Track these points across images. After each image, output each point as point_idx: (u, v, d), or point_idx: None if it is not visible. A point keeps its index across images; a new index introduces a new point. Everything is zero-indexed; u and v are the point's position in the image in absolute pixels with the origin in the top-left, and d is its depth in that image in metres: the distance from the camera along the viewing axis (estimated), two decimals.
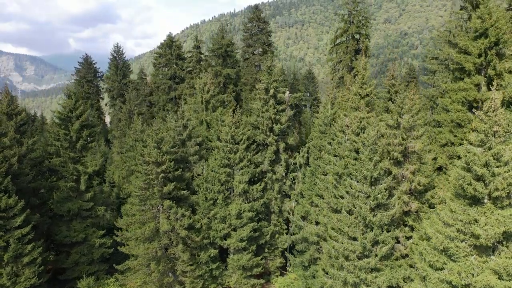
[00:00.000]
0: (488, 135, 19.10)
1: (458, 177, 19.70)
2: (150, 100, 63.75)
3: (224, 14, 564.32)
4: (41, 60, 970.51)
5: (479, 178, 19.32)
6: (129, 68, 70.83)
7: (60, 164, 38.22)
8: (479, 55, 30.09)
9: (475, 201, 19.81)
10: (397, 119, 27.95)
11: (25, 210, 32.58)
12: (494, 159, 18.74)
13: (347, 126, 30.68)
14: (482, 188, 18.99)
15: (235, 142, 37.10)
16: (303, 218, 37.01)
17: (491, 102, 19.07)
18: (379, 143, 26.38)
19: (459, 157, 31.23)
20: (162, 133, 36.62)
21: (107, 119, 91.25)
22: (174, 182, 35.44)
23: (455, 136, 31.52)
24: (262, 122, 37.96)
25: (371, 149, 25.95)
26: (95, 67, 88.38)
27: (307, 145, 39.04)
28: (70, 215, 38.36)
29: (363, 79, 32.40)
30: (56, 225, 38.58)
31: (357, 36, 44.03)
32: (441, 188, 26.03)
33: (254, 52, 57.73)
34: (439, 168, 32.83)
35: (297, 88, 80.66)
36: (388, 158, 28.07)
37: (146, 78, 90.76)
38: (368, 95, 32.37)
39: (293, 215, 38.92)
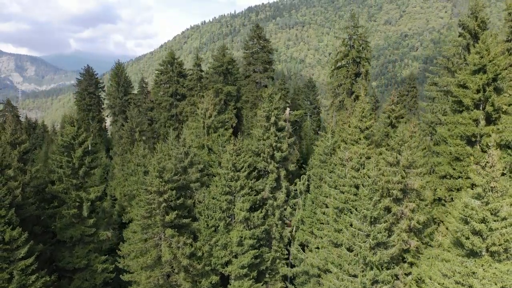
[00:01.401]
0: (485, 190, 19.44)
1: (456, 229, 20.04)
2: (151, 116, 64.11)
3: (224, 15, 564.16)
4: (41, 61, 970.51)
5: (477, 233, 19.68)
6: (131, 85, 71.18)
7: (63, 190, 38.56)
8: (478, 91, 30.43)
9: (473, 253, 20.16)
10: (397, 157, 28.29)
11: (29, 241, 32.90)
12: (491, 214, 19.09)
13: (348, 160, 31.02)
14: (480, 242, 19.35)
15: (236, 170, 37.45)
16: (304, 245, 37.38)
17: (488, 158, 19.40)
18: (379, 182, 26.71)
19: (458, 190, 31.70)
20: (164, 161, 36.99)
21: (108, 122, 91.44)
22: (176, 211, 35.86)
23: (454, 169, 31.84)
24: (263, 149, 38.31)
25: (371, 188, 26.29)
26: (97, 77, 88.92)
27: (307, 173, 39.40)
28: (72, 241, 38.71)
29: (363, 112, 32.72)
30: (59, 250, 38.93)
31: (357, 60, 44.31)
32: (439, 231, 26.38)
33: (255, 70, 58.04)
34: (438, 199, 33.16)
35: (298, 103, 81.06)
36: (388, 195, 28.40)
37: (146, 87, 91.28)
38: (368, 128, 32.69)
39: (293, 240, 39.31)
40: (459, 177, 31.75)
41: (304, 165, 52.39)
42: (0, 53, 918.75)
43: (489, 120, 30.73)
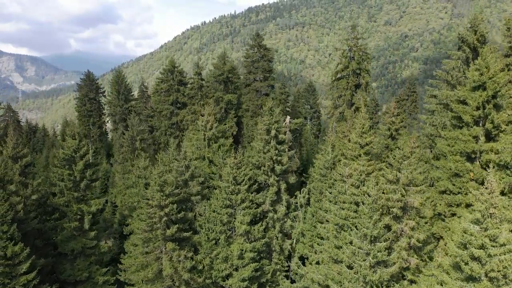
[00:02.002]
0: (484, 216, 19.61)
1: (455, 254, 20.21)
2: (152, 124, 64.26)
3: (224, 15, 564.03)
4: (41, 61, 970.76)
5: (476, 258, 19.85)
6: (131, 92, 71.32)
7: (64, 203, 38.76)
8: (477, 108, 30.58)
9: (472, 278, 20.34)
10: (396, 174, 28.46)
11: (31, 256, 33.10)
12: (490, 240, 19.27)
13: (348, 177, 31.19)
14: (479, 268, 19.54)
15: (237, 183, 37.63)
16: (304, 258, 37.55)
17: (487, 184, 19.57)
18: (379, 201, 26.88)
19: (457, 205, 31.85)
20: (165, 172, 37.20)
21: (109, 125, 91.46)
22: (177, 225, 36.07)
23: (454, 185, 32.00)
24: (263, 162, 38.47)
25: (371, 208, 26.46)
26: (97, 83, 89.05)
27: (308, 186, 39.54)
28: (74, 254, 38.91)
29: (363, 128, 32.89)
30: (60, 263, 39.14)
31: (357, 71, 44.47)
32: (439, 246, 26.53)
33: (256, 78, 58.20)
34: (438, 214, 33.31)
35: (298, 110, 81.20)
36: (388, 212, 28.57)
37: (147, 91, 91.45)
38: (368, 144, 32.85)
39: (294, 253, 39.50)
40: (458, 192, 31.91)
41: (304, 174, 52.57)
42: (0, 53, 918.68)
43: (489, 137, 30.88)
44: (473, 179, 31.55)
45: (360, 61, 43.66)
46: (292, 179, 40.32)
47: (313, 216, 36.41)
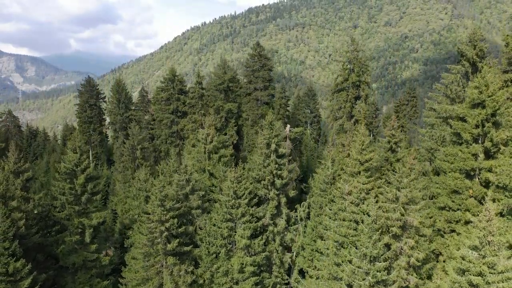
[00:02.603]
0: (482, 243, 19.81)
1: (454, 280, 20.41)
2: (152, 133, 64.48)
3: (224, 16, 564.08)
4: (41, 61, 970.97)
5: (474, 285, 20.05)
6: (131, 101, 71.47)
7: (65, 217, 38.95)
8: (477, 126, 30.77)
9: None
10: (396, 194, 28.64)
11: (32, 272, 33.27)
12: (488, 267, 19.46)
13: (347, 194, 31.37)
14: None
15: (237, 197, 37.81)
16: (304, 272, 37.73)
17: (485, 211, 19.76)
18: (379, 221, 27.07)
19: (457, 222, 32.03)
20: (166, 184, 37.40)
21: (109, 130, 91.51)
22: (178, 239, 36.28)
23: (453, 201, 32.19)
24: (263, 176, 38.67)
25: (371, 227, 26.64)
26: (97, 88, 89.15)
27: (308, 200, 39.74)
28: (75, 267, 39.12)
29: (362, 145, 33.08)
30: (62, 276, 39.33)
31: (357, 83, 44.66)
32: (439, 262, 26.71)
33: (256, 88, 58.39)
34: (438, 230, 33.48)
35: (298, 118, 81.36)
36: (387, 231, 28.75)
37: (147, 95, 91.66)
38: (368, 161, 33.03)
39: (294, 265, 39.70)
40: (458, 209, 32.10)
41: (304, 184, 52.72)
42: (0, 54, 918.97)
43: (488, 155, 31.07)
44: (472, 196, 31.76)
45: (360, 74, 43.84)
46: (292, 192, 40.52)
47: (313, 230, 36.62)
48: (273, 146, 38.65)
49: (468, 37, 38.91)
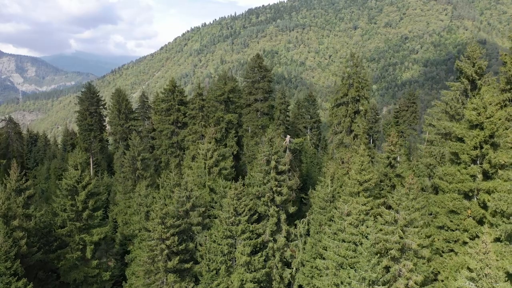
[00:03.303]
0: (480, 276, 20.04)
1: None
2: (153, 143, 64.68)
3: (225, 17, 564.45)
4: (42, 61, 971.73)
5: None
6: (132, 111, 71.67)
7: (67, 233, 39.21)
8: (475, 148, 30.98)
9: None
10: (395, 216, 28.87)
11: None
12: None
13: (347, 214, 31.61)
14: None
15: (237, 214, 38.06)
16: None
17: (482, 243, 20.00)
18: (378, 245, 27.29)
19: (455, 241, 32.26)
20: (167, 198, 37.64)
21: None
22: (178, 256, 36.52)
23: (451, 221, 32.42)
24: (263, 193, 38.90)
25: (370, 251, 26.88)
26: (98, 95, 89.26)
27: (307, 217, 39.96)
28: (76, 283, 39.40)
29: (361, 165, 33.30)
30: None
31: (356, 97, 44.89)
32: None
33: (256, 99, 58.63)
34: (436, 249, 33.71)
35: (298, 127, 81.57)
36: (386, 253, 28.99)
37: (147, 101, 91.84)
38: (367, 181, 33.26)
39: (293, 281, 39.94)
40: (456, 229, 32.34)
41: (304, 196, 52.93)
42: (0, 54, 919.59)
43: (487, 176, 31.30)
44: (470, 216, 32.00)
45: (359, 88, 44.07)
46: (292, 208, 40.73)
47: (313, 248, 36.86)
48: (273, 163, 38.87)
49: (467, 54, 39.11)
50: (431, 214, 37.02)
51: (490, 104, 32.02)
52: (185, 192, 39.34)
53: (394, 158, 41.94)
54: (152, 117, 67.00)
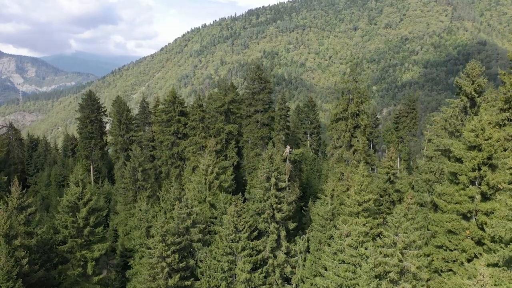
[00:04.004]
0: None
1: None
2: (153, 154, 64.93)
3: (225, 18, 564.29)
4: (42, 62, 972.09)
5: None
6: (132, 121, 71.88)
7: (68, 250, 39.43)
8: (473, 169, 31.19)
9: None
10: (394, 239, 29.10)
11: None
12: None
13: (346, 235, 31.84)
14: None
15: (237, 231, 38.34)
16: None
17: (480, 276, 20.22)
18: (377, 268, 27.52)
19: (454, 261, 32.43)
20: (167, 223, 37.84)
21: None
22: (179, 274, 36.77)
23: (450, 241, 32.63)
24: (263, 210, 39.14)
25: (369, 275, 27.10)
26: (99, 103, 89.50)
27: (307, 235, 40.20)
28: None
29: (361, 185, 33.52)
30: None
31: (356, 112, 45.11)
32: None
33: (257, 110, 58.88)
34: (435, 269, 33.93)
35: (298, 137, 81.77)
36: (385, 275, 29.21)
37: (148, 107, 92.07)
38: (367, 202, 33.47)
39: None
40: (455, 249, 32.55)
41: (304, 208, 53.19)
42: (0, 54, 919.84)
43: (485, 197, 31.51)
44: (469, 237, 32.22)
45: (359, 103, 44.30)
46: (292, 225, 40.97)
47: (312, 265, 37.10)
48: (273, 180, 39.11)
49: (466, 71, 39.32)
50: (429, 230, 37.31)
51: (490, 123, 32.29)
52: (186, 209, 39.57)
53: (393, 174, 42.16)
54: (153, 127, 67.22)
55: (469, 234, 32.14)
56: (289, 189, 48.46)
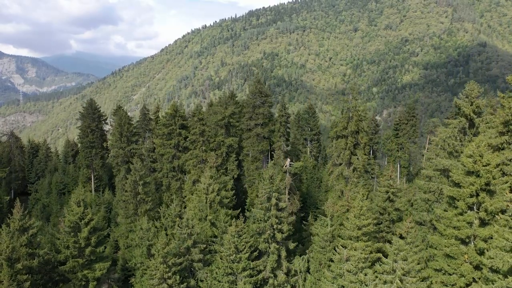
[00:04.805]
0: None
1: None
2: (154, 167, 65.21)
3: (225, 19, 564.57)
4: (42, 62, 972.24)
5: None
6: (133, 133, 72.14)
7: (69, 270, 39.73)
8: (471, 195, 31.47)
9: None
10: (393, 266, 29.38)
11: None
12: None
13: (346, 260, 32.12)
14: None
15: (238, 251, 38.61)
16: None
17: None
18: None
19: (452, 285, 32.70)
20: (168, 245, 38.14)
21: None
22: None
23: (449, 265, 32.91)
24: (264, 230, 39.42)
25: None
26: (99, 111, 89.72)
27: (307, 255, 40.47)
28: None
29: (360, 210, 33.80)
30: None
31: (356, 130, 45.41)
32: None
33: (257, 124, 59.16)
34: None
35: (298, 148, 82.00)
36: None
37: (148, 113, 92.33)
38: (366, 226, 33.74)
39: None
40: (453, 273, 32.83)
41: (304, 222, 53.43)
42: (0, 55, 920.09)
43: (483, 222, 31.78)
44: (467, 261, 32.49)
45: (359, 121, 44.59)
46: (292, 245, 41.23)
47: (312, 286, 37.38)
48: (273, 200, 39.38)
49: (465, 93, 39.60)
50: (427, 249, 37.64)
51: (489, 145, 32.56)
52: (187, 229, 39.86)
53: (393, 193, 42.46)
54: (154, 140, 67.51)
55: (468, 259, 32.41)
56: (289, 201, 48.83)
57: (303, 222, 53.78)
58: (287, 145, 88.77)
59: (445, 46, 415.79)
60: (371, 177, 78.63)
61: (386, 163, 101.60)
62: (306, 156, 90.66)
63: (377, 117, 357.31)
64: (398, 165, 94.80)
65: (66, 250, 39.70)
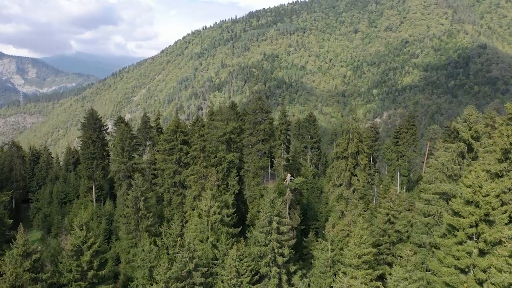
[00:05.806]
0: None
1: None
2: (156, 181, 65.53)
3: (225, 20, 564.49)
4: (42, 63, 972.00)
5: None
6: (135, 148, 72.38)
7: None
8: (471, 226, 31.81)
9: None
10: None
11: None
12: None
13: None
14: None
15: (239, 275, 38.96)
16: None
17: None
18: None
19: None
20: (170, 269, 38.48)
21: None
22: None
23: None
24: (265, 254, 39.76)
25: None
26: (101, 121, 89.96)
27: (308, 279, 40.80)
28: None
29: (360, 238, 34.13)
30: None
31: (356, 151, 45.76)
32: None
33: (258, 140, 59.49)
34: None
35: (298, 161, 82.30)
36: None
37: (149, 122, 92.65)
38: (366, 255, 34.08)
39: None
40: None
41: (304, 238, 53.73)
42: (1, 55, 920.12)
43: (483, 252, 32.13)
44: None
45: (359, 143, 44.91)
46: (293, 268, 41.57)
47: None
48: (274, 224, 39.74)
49: (463, 117, 39.92)
50: (428, 270, 37.98)
51: (487, 171, 32.87)
52: (188, 253, 40.19)
53: (393, 215, 42.82)
54: (155, 155, 67.86)
55: (467, 287, 32.77)
56: (289, 216, 49.17)
57: (304, 239, 54.11)
58: (288, 152, 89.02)
59: (445, 48, 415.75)
60: (371, 186, 78.99)
61: (386, 172, 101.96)
62: (306, 165, 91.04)
63: (377, 119, 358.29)
64: (398, 174, 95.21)
65: (68, 274, 40.03)
